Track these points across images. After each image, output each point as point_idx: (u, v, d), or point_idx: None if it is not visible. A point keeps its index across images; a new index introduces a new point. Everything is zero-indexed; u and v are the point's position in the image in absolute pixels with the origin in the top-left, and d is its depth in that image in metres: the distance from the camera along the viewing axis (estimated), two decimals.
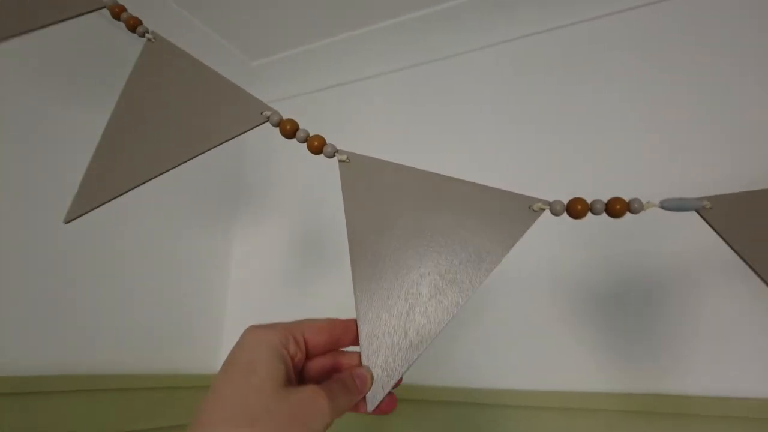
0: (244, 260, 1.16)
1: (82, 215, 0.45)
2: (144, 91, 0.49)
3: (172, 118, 0.48)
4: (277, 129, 0.46)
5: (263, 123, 0.46)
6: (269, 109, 0.46)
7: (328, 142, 0.44)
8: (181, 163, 0.45)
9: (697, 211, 0.38)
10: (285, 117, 0.46)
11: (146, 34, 0.50)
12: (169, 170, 0.45)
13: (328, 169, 1.13)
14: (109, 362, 0.87)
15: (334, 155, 0.44)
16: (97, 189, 0.45)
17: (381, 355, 0.40)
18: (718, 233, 0.37)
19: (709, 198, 0.38)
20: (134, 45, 0.52)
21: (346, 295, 1.00)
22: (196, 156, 0.46)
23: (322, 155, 0.44)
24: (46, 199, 0.80)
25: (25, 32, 0.54)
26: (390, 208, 0.44)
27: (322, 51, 1.13)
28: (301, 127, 0.46)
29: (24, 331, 0.77)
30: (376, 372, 0.39)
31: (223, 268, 1.16)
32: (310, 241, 1.07)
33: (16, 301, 0.76)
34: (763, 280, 0.36)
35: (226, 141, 0.46)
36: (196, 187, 1.09)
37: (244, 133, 0.46)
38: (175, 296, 1.03)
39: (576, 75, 0.90)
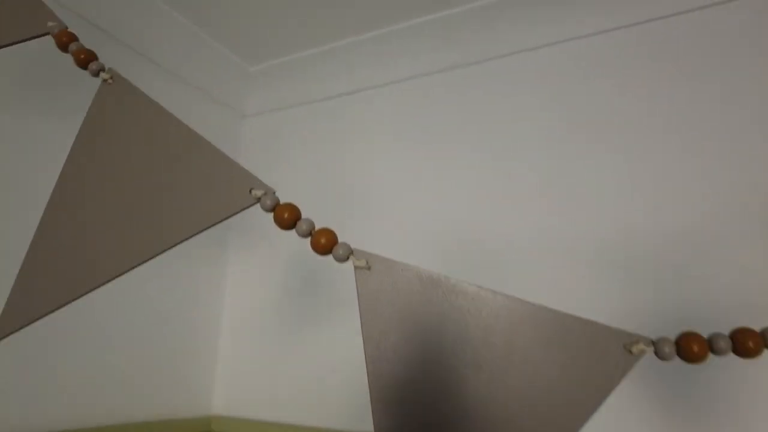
0: (236, 298, 1.06)
1: (14, 332, 0.34)
2: (97, 154, 0.37)
3: (134, 193, 0.36)
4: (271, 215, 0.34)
5: (253, 205, 0.34)
6: (261, 186, 0.34)
7: (339, 240, 0.32)
8: (140, 263, 0.34)
9: None
10: (282, 201, 0.34)
11: (101, 74, 0.38)
12: (125, 271, 0.34)
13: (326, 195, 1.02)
14: (97, 413, 0.79)
15: (347, 259, 0.32)
16: (35, 295, 0.34)
17: None
18: None
19: None
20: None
21: (345, 335, 0.92)
22: (162, 252, 0.34)
23: (330, 257, 0.32)
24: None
25: None
26: (421, 331, 0.32)
27: (325, 56, 1.02)
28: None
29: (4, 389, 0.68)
30: None
31: (215, 307, 1.06)
32: (306, 276, 0.96)
33: None
34: None
35: (201, 231, 0.35)
36: None
37: (226, 219, 0.34)
38: (165, 339, 0.94)
39: (596, 90, 0.78)
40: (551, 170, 0.81)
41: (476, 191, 0.86)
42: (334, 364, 0.91)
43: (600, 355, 0.29)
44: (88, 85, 0.38)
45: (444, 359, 0.32)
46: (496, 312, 0.32)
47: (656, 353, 0.29)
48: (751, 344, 0.29)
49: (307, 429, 0.89)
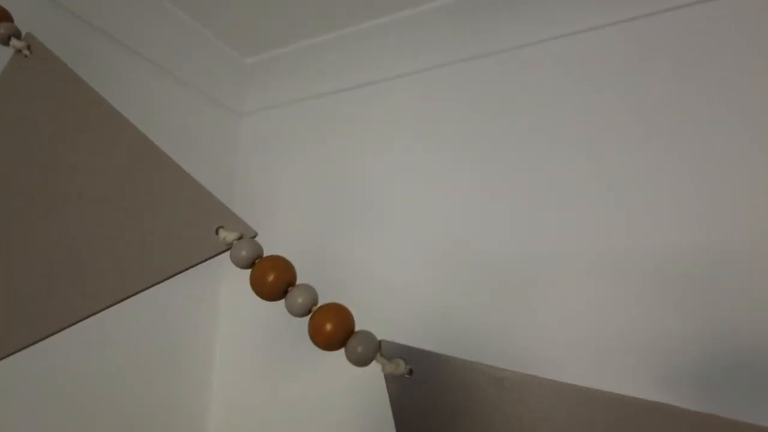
0: (231, 322, 0.98)
1: None
2: (6, 155, 0.25)
3: (51, 246, 0.23)
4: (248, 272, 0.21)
5: (223, 252, 0.21)
6: (235, 224, 0.21)
7: (357, 324, 0.19)
8: (70, 325, 0.22)
9: None
10: (266, 255, 0.20)
11: (11, 41, 0.25)
12: (67, 326, 0.22)
13: (330, 201, 0.90)
14: None
15: (370, 361, 0.19)
16: None
17: None
18: None
19: None
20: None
21: (345, 362, 0.81)
22: (102, 310, 0.22)
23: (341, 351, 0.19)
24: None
25: None
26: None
27: (324, 47, 0.95)
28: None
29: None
30: None
31: (209, 330, 0.97)
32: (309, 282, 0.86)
33: None
34: None
35: (166, 278, 0.22)
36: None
37: (196, 264, 0.22)
38: (157, 364, 0.86)
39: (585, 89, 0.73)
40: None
41: (480, 192, 0.79)
42: (332, 390, 0.83)
43: None
44: None
45: None
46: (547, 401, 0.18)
47: None
48: None
49: None
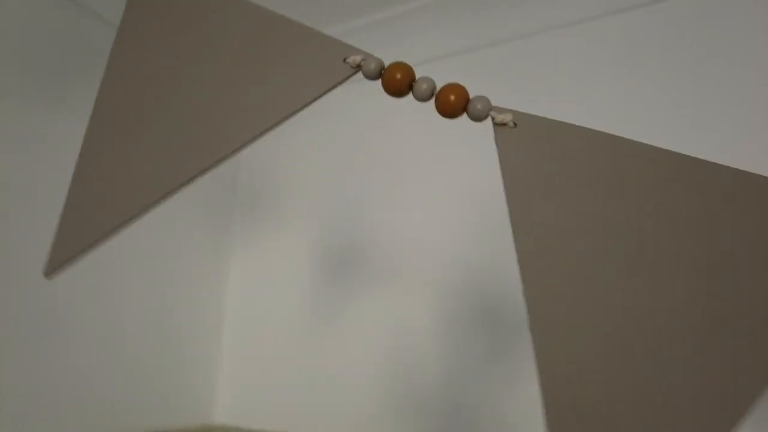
0: (238, 305, 1.01)
1: (66, 265, 0.26)
2: (141, 57, 0.31)
3: (188, 90, 0.29)
4: (377, 83, 0.27)
5: (353, 75, 0.27)
6: (357, 51, 0.27)
7: (473, 94, 0.26)
8: (208, 168, 0.27)
9: None
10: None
11: None
12: (187, 183, 0.27)
13: (342, 172, 0.95)
14: (98, 421, 0.74)
15: (486, 116, 0.25)
16: (85, 226, 0.27)
17: None
18: None
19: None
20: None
21: (351, 343, 0.85)
22: (237, 150, 0.28)
23: (464, 116, 0.26)
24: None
25: None
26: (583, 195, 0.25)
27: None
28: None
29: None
30: None
31: (217, 314, 1.01)
32: (310, 282, 0.90)
33: None
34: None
35: (289, 116, 0.28)
36: (183, 218, 0.92)
37: (322, 96, 0.27)
38: (166, 347, 0.90)
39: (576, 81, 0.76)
40: None
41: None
42: (338, 372, 0.86)
43: None
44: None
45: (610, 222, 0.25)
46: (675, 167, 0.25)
47: None
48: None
49: None
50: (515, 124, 0.25)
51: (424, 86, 0.26)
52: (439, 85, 0.26)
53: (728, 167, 0.24)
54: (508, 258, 0.25)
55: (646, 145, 0.25)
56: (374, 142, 0.91)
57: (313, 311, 0.91)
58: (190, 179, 0.28)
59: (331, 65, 0.27)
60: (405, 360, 0.79)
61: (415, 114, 0.90)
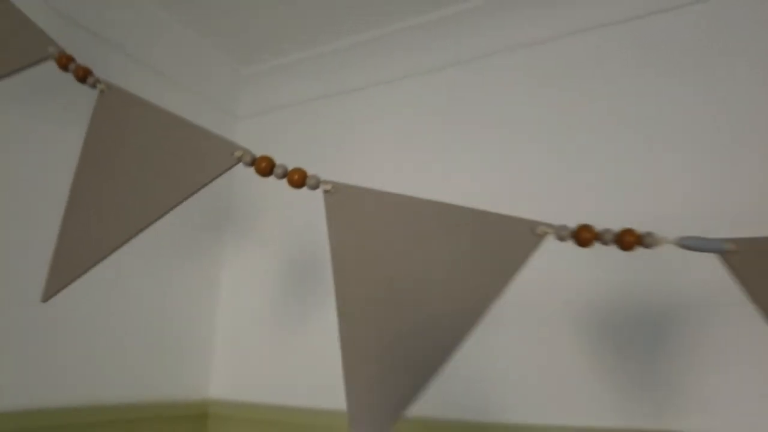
0: (233, 286, 1.14)
1: (60, 290, 0.42)
2: (105, 147, 0.46)
3: (138, 172, 0.45)
4: (252, 168, 0.43)
5: (235, 165, 0.43)
6: (239, 148, 0.43)
7: (309, 173, 0.42)
8: (155, 220, 0.43)
9: (720, 253, 0.35)
10: (258, 154, 0.43)
11: (97, 85, 0.47)
12: (143, 229, 0.43)
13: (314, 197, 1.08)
14: (98, 393, 0.86)
15: (318, 186, 0.42)
16: (72, 260, 0.42)
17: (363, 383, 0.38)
18: (738, 280, 0.34)
19: (734, 240, 0.35)
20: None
21: (328, 318, 0.99)
22: (171, 209, 0.43)
23: (305, 188, 0.42)
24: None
25: None
26: (378, 239, 0.41)
27: (316, 58, 1.10)
28: (278, 161, 0.43)
29: (14, 365, 0.75)
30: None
31: (212, 295, 1.14)
32: (300, 267, 1.05)
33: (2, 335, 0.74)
34: None
35: (198, 189, 0.44)
36: (183, 216, 1.06)
37: (216, 177, 0.43)
38: (165, 326, 1.01)
39: (590, 86, 0.84)
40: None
41: (478, 193, 0.88)
42: (328, 347, 0.99)
43: (513, 239, 0.39)
44: (88, 93, 0.48)
45: (400, 257, 0.41)
46: (441, 218, 0.41)
47: (556, 236, 0.38)
48: (628, 239, 0.36)
49: (302, 410, 0.96)
50: (333, 190, 0.42)
51: (279, 170, 0.42)
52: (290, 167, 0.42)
53: (478, 211, 0.40)
54: None
55: (431, 201, 0.41)
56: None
57: (291, 302, 1.05)
58: (146, 225, 0.43)
59: (222, 158, 0.43)
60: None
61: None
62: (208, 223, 1.12)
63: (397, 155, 0.99)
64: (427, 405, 0.79)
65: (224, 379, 1.08)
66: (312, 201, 0.97)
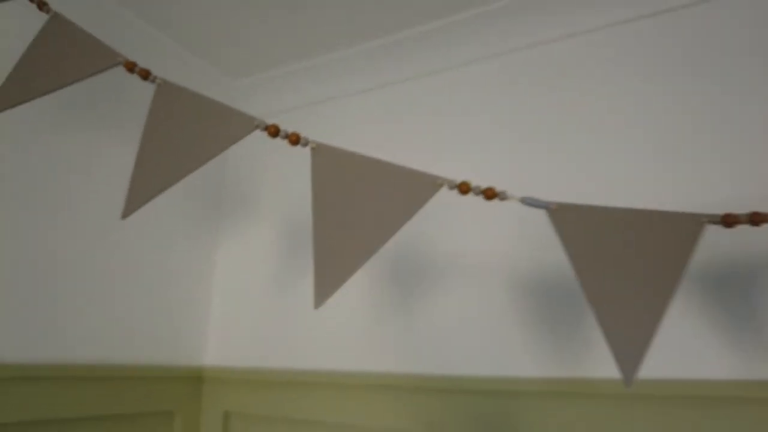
0: (227, 266, 1.28)
1: (135, 210, 0.63)
2: (160, 123, 0.68)
3: (183, 140, 0.66)
4: (266, 134, 0.65)
5: (255, 130, 0.66)
6: (258, 120, 0.66)
7: (302, 135, 0.65)
8: (194, 170, 0.64)
9: (546, 209, 0.58)
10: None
11: (156, 80, 0.69)
12: (186, 175, 0.64)
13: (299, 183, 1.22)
14: (99, 353, 0.99)
15: (307, 144, 0.64)
16: (140, 192, 0.63)
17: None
18: (557, 231, 0.57)
19: (558, 203, 0.58)
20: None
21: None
22: (206, 162, 0.65)
23: (299, 146, 0.64)
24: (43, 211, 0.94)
25: (53, 90, 0.71)
26: (350, 192, 0.63)
27: (305, 71, 1.22)
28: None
29: (34, 325, 0.89)
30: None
31: (208, 272, 1.28)
32: (289, 250, 1.17)
33: (21, 299, 0.88)
34: (584, 289, 0.54)
35: (227, 148, 0.66)
36: (183, 198, 1.23)
37: (242, 139, 0.65)
38: (163, 296, 1.14)
39: (589, 87, 0.90)
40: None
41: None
42: (308, 318, 1.10)
43: (419, 192, 0.62)
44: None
45: (366, 209, 0.63)
46: (390, 176, 0.64)
47: (448, 186, 0.61)
48: (464, 188, 0.62)
49: (283, 371, 1.10)
50: (317, 147, 0.64)
51: (282, 133, 0.64)
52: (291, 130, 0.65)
53: None
54: None
55: (390, 164, 0.64)
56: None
57: (279, 280, 1.17)
58: (188, 173, 0.65)
59: (244, 127, 0.65)
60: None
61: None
62: (205, 206, 1.29)
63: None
64: (387, 360, 0.98)
65: (217, 347, 1.23)
66: (300, 181, 1.12)
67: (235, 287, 1.25)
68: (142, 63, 1.14)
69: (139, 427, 1.04)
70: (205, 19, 1.08)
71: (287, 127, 1.20)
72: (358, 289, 1.05)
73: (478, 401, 0.87)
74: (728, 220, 0.54)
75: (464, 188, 0.60)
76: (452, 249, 0.97)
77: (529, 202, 0.59)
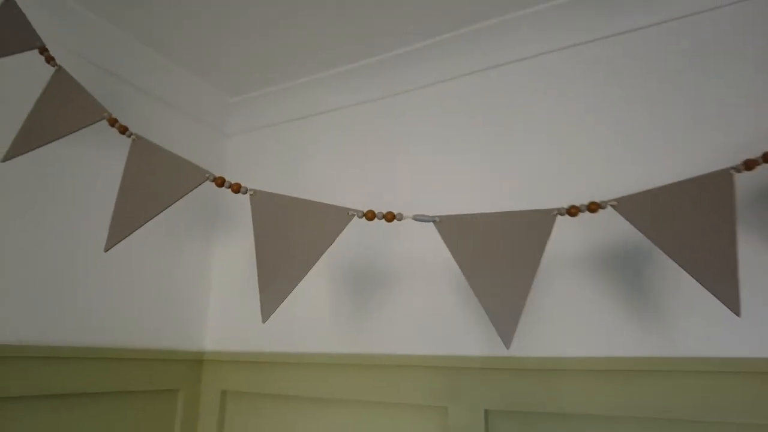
0: (222, 263, 1.39)
1: (117, 243, 0.79)
2: (135, 172, 0.84)
3: (152, 186, 0.82)
4: (213, 184, 0.80)
5: (205, 181, 0.81)
6: (208, 172, 0.81)
7: (243, 184, 0.79)
8: (160, 212, 0.80)
9: (433, 222, 0.72)
10: (217, 174, 0.81)
11: (132, 136, 0.85)
12: (154, 216, 0.80)
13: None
14: (107, 337, 1.10)
15: (246, 192, 0.79)
16: (118, 230, 0.80)
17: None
18: (444, 240, 0.72)
19: (441, 216, 0.72)
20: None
21: (315, 276, 1.29)
22: (170, 206, 0.81)
23: (240, 194, 0.79)
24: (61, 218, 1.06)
25: (52, 141, 0.87)
26: (283, 229, 0.78)
27: (296, 88, 1.32)
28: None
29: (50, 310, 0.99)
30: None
31: (206, 268, 1.38)
32: None
33: (43, 290, 0.98)
34: (467, 279, 0.69)
35: (185, 195, 0.81)
36: (187, 211, 1.35)
37: (195, 188, 0.81)
38: (168, 288, 1.25)
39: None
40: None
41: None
42: (291, 309, 1.21)
43: (336, 221, 0.76)
44: (122, 142, 0.85)
45: (298, 245, 0.78)
46: (318, 215, 0.79)
47: (365, 217, 0.75)
48: (370, 216, 0.76)
49: (273, 353, 1.21)
50: (255, 193, 0.79)
51: (226, 184, 0.79)
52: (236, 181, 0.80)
53: None
54: None
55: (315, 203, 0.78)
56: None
57: None
58: (154, 215, 0.81)
59: (197, 178, 0.81)
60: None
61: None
62: (204, 208, 1.41)
63: (349, 168, 1.23)
64: (362, 342, 1.10)
65: (215, 333, 1.33)
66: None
67: (231, 280, 1.36)
68: (154, 82, 1.27)
69: (148, 403, 1.18)
70: (202, 41, 1.17)
71: (269, 139, 1.32)
72: (334, 287, 1.19)
73: (428, 375, 1.02)
74: (572, 211, 0.68)
75: (370, 215, 0.74)
76: (408, 256, 1.10)
77: (419, 218, 0.72)
